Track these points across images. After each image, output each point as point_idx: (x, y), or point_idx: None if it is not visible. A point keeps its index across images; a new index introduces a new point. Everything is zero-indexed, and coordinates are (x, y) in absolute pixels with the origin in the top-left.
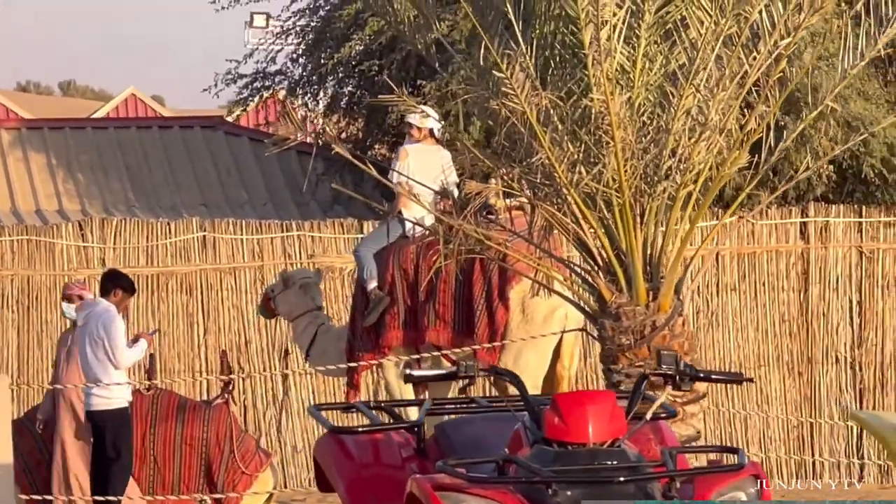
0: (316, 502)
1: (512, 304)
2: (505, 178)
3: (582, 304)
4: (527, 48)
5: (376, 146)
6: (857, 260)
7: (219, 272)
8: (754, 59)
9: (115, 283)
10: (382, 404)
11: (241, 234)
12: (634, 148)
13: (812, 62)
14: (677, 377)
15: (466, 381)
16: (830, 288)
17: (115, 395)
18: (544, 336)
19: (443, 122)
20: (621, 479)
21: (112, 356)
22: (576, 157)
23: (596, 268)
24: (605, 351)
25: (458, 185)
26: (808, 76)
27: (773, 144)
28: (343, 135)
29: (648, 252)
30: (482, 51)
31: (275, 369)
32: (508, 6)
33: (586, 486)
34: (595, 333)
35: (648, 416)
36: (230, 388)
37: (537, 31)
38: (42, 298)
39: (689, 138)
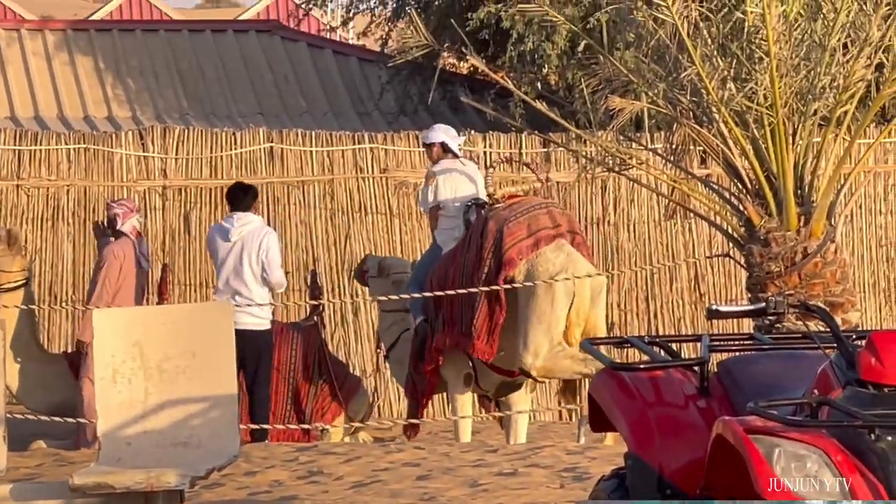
0: (400, 433)
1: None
2: (650, 95)
3: (728, 228)
4: None
5: (444, 55)
6: None
7: (286, 186)
8: None
9: (254, 196)
10: (658, 339)
11: (311, 147)
12: (789, 64)
13: None
14: None
15: (775, 317)
16: None
17: (264, 314)
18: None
19: (461, 139)
20: None
21: (268, 273)
22: (726, 73)
23: (744, 190)
24: (752, 278)
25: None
26: None
27: None
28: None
29: (800, 174)
30: None
31: (344, 289)
32: None
33: None
34: (741, 260)
35: None
36: (320, 309)
37: None
38: (99, 210)
39: (845, 55)
